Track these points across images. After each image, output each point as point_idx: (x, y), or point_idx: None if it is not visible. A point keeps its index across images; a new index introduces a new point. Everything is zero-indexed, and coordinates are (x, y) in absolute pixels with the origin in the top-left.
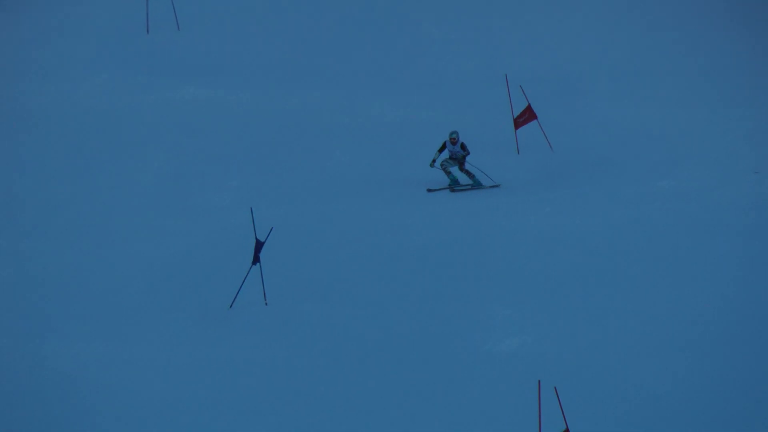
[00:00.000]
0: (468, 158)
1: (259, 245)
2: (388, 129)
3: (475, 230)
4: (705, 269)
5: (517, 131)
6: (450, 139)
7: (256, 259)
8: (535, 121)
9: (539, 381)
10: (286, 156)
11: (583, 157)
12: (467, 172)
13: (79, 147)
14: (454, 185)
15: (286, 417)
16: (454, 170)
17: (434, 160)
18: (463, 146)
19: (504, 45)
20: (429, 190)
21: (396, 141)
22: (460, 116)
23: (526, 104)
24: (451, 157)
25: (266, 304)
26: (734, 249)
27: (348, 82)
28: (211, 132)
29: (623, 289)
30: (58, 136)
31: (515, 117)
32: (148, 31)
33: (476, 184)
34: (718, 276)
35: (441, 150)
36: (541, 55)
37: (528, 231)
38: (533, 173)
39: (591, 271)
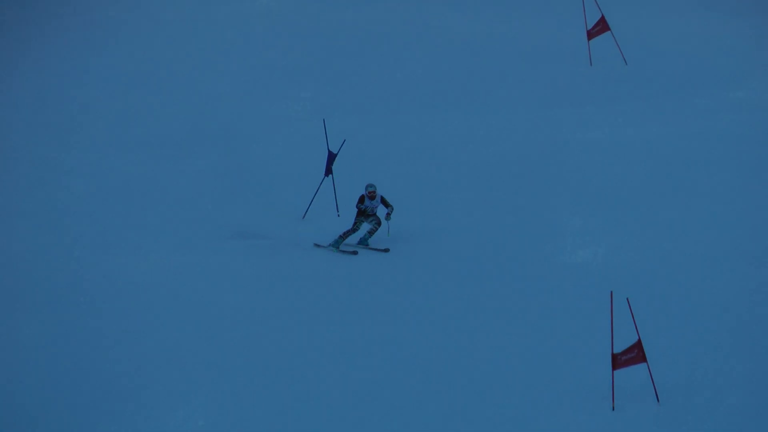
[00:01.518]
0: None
1: (331, 157)
2: (460, 41)
3: (547, 142)
4: None
5: (590, 42)
6: (368, 193)
7: (328, 171)
8: (608, 32)
9: (611, 292)
10: (359, 68)
11: (656, 69)
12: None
13: (157, 56)
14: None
15: (354, 323)
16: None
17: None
18: (383, 201)
19: None
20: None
21: (468, 54)
22: (533, 26)
23: (600, 15)
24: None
25: (338, 215)
26: None
27: None
28: (283, 44)
29: (696, 201)
30: (142, 48)
31: (588, 28)
32: None
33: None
34: None
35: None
36: None
37: (601, 142)
38: (606, 85)
39: (664, 182)
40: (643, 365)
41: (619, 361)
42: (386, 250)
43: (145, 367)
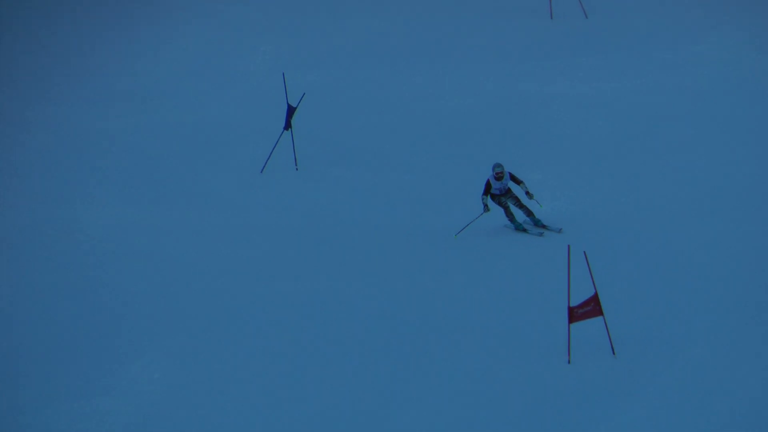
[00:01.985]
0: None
1: (290, 110)
2: None
3: (508, 96)
4: (741, 132)
5: None
6: (496, 174)
7: (287, 125)
8: None
9: (569, 246)
10: (319, 21)
11: (617, 23)
12: (526, 209)
13: (118, 9)
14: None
15: (313, 273)
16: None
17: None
18: (513, 177)
19: None
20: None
21: (429, 9)
22: None
23: None
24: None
25: (297, 169)
26: None
27: None
28: None
29: (655, 154)
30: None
31: None
32: None
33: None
34: (757, 139)
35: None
36: None
37: (561, 97)
38: (566, 39)
39: (624, 136)
40: (599, 318)
41: (575, 314)
42: (560, 231)
43: (100, 320)
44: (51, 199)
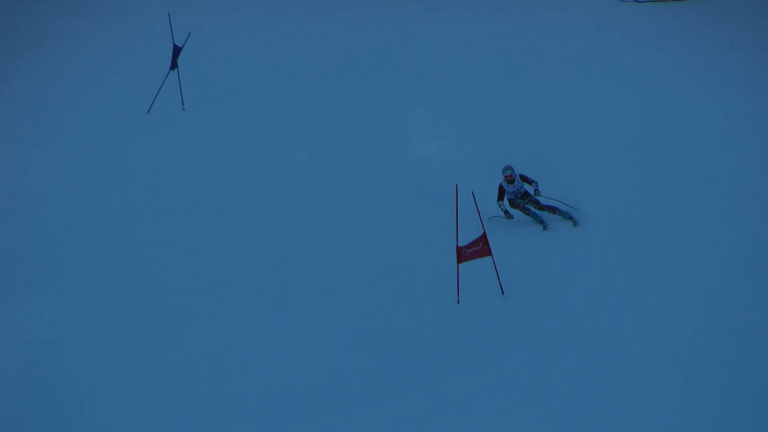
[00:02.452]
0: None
1: (176, 50)
2: None
3: (395, 35)
4: (615, 74)
5: None
6: (505, 177)
7: (173, 65)
8: None
9: (456, 185)
10: None
11: None
12: (549, 208)
13: None
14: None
15: (198, 211)
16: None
17: (506, 212)
18: (523, 178)
19: None
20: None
21: None
22: None
23: None
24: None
25: (183, 109)
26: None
27: None
28: None
29: (540, 93)
30: None
31: None
32: None
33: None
34: (633, 81)
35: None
36: None
37: (444, 35)
38: None
39: (508, 75)
40: (488, 259)
41: (464, 254)
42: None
43: None
44: None
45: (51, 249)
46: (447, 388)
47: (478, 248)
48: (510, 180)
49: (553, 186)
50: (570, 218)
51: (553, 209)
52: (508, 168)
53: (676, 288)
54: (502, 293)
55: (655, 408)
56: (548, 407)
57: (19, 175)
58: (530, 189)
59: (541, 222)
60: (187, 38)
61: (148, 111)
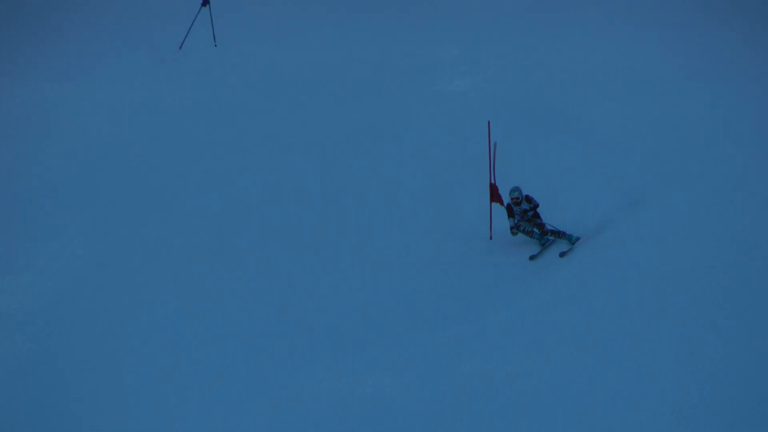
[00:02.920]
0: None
1: None
2: None
3: None
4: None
5: None
6: (512, 199)
7: (205, 2)
8: None
9: (489, 121)
10: None
11: None
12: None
13: None
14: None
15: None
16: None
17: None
18: (528, 199)
19: None
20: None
21: None
22: None
23: None
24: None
25: (216, 46)
26: None
27: None
28: None
29: (571, 33)
30: None
31: None
32: None
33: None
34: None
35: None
36: None
37: None
38: None
39: (542, 16)
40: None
41: (497, 192)
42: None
43: (22, 198)
44: None
45: (82, 185)
46: (479, 324)
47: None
48: (517, 202)
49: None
50: (575, 240)
51: (558, 234)
52: (515, 189)
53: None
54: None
55: (659, 348)
56: (583, 342)
57: (49, 112)
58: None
59: (543, 245)
60: None
61: (180, 47)
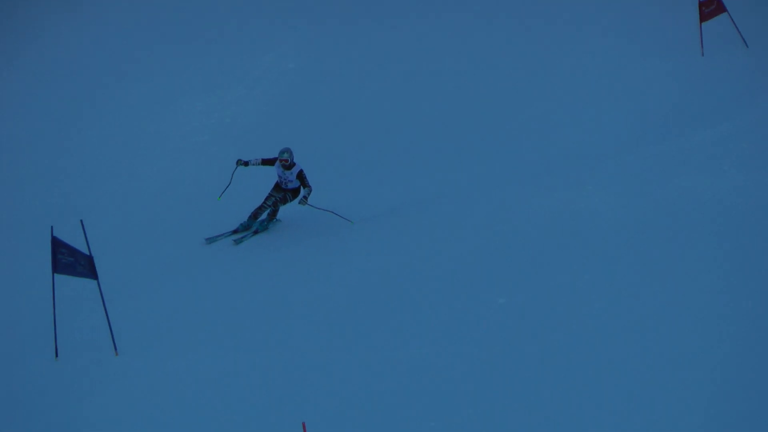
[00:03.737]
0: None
1: None
2: None
3: None
4: None
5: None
6: (280, 160)
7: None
8: None
9: None
10: None
11: None
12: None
13: None
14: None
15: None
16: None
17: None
18: (300, 176)
19: None
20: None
21: None
22: None
23: None
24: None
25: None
26: None
27: None
28: None
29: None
30: None
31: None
32: None
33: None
34: None
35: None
36: None
37: None
38: None
39: None
40: (724, 15)
41: (703, 13)
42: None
43: None
44: None
45: None
46: None
47: (713, 7)
48: (286, 165)
49: None
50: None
51: (272, 215)
52: (285, 150)
53: None
54: (746, 45)
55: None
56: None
57: None
58: (302, 192)
59: (255, 231)
60: None
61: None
